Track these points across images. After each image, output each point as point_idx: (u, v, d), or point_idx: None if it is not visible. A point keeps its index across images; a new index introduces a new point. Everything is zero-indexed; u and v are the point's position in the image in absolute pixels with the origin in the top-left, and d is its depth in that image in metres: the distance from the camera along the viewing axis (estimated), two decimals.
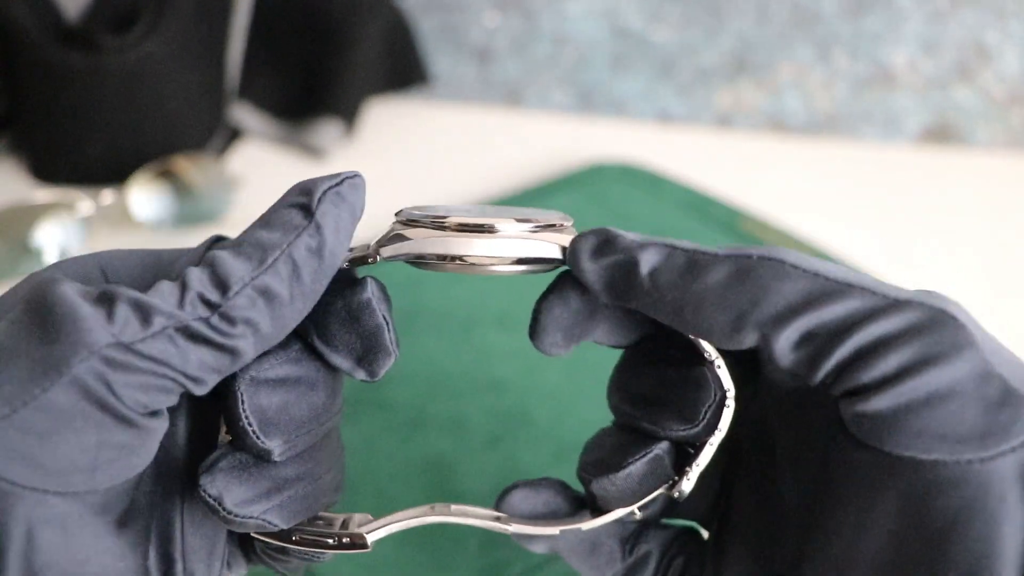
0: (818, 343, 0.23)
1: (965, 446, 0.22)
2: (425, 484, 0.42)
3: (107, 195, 0.58)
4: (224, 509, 0.25)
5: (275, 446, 0.25)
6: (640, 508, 0.28)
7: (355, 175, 0.26)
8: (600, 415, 0.45)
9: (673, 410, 0.27)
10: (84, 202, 0.56)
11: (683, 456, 0.28)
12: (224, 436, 0.26)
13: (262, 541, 0.28)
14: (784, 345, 0.23)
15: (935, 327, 0.22)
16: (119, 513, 0.25)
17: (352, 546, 0.28)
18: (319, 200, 0.25)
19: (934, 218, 0.63)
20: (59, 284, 0.23)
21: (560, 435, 0.44)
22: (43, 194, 0.57)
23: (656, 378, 0.27)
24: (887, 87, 0.70)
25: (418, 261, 0.26)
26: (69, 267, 0.26)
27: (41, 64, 0.59)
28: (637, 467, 0.27)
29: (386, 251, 0.26)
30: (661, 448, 0.27)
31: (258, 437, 0.25)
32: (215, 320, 0.23)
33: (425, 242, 0.26)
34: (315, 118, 0.66)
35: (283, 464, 0.26)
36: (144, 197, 0.58)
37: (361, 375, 0.26)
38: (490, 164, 0.67)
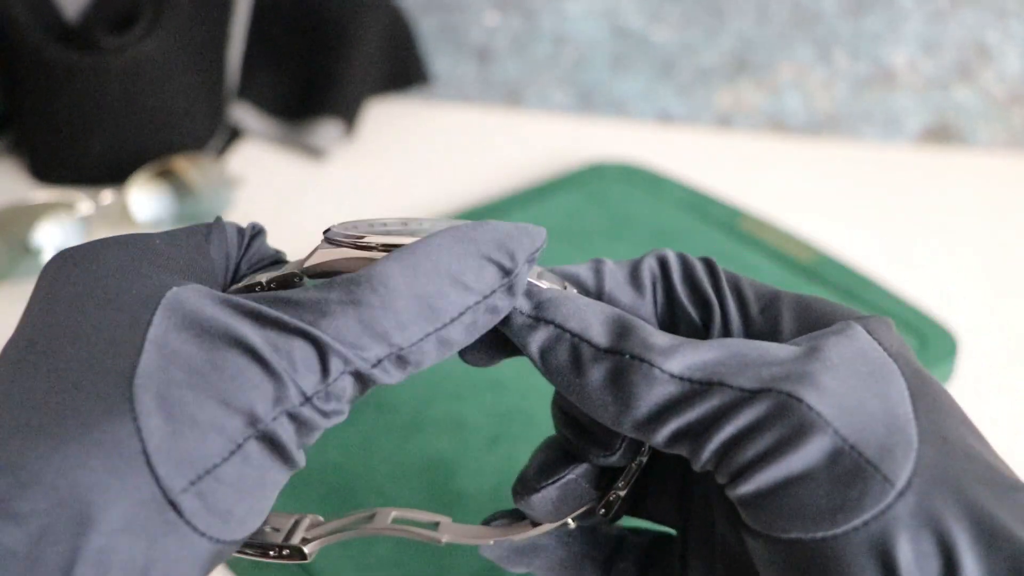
0: (688, 441, 0.25)
1: (819, 524, 0.23)
2: (425, 484, 0.42)
3: (107, 195, 0.58)
4: None
5: None
6: (574, 519, 0.29)
7: (540, 244, 0.26)
8: None
9: (595, 437, 0.28)
10: (84, 202, 0.56)
11: (617, 471, 0.29)
12: None
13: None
14: (660, 442, 0.25)
15: (782, 415, 0.23)
16: None
17: (291, 556, 0.28)
18: (519, 266, 0.25)
19: (934, 218, 0.63)
20: (222, 311, 0.23)
21: None
22: (43, 194, 0.57)
23: None
24: (887, 87, 0.70)
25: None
26: (135, 254, 0.25)
27: (41, 64, 0.59)
28: (550, 491, 0.28)
29: (309, 270, 0.26)
30: (576, 472, 0.28)
31: None
32: (387, 363, 0.24)
33: (344, 262, 0.26)
34: (315, 118, 0.66)
35: None
36: (144, 197, 0.58)
37: None
38: (490, 164, 0.67)
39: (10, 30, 0.59)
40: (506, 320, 0.26)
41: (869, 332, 0.26)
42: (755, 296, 0.28)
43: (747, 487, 0.24)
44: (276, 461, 0.23)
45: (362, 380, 0.24)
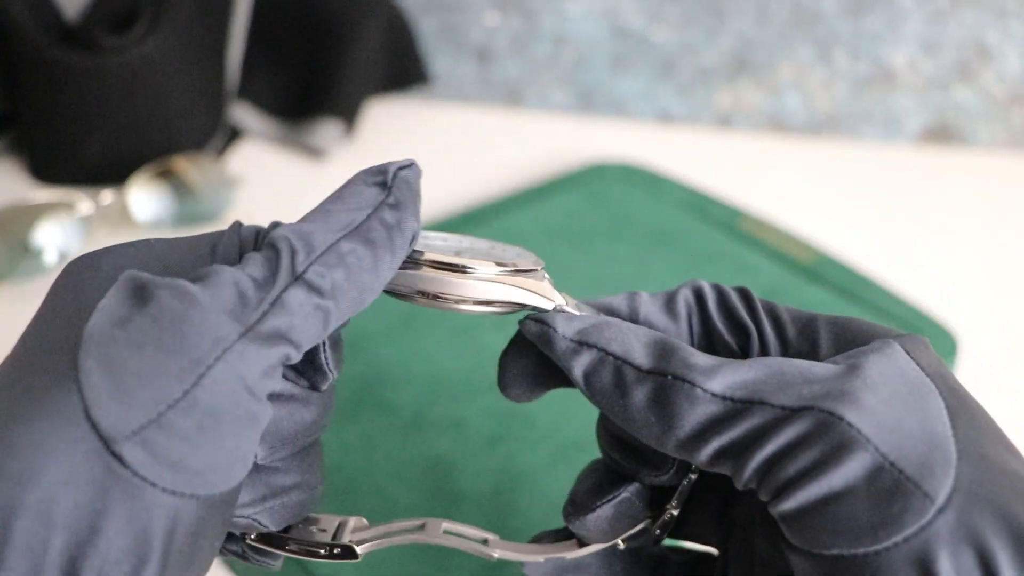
0: (731, 459, 0.25)
1: (860, 540, 0.23)
2: (425, 484, 0.42)
3: (107, 195, 0.58)
4: None
5: (257, 451, 0.26)
6: (624, 540, 0.29)
7: (413, 161, 0.27)
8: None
9: (646, 458, 0.28)
10: (84, 202, 0.56)
11: (667, 490, 0.29)
12: None
13: (255, 546, 0.28)
14: (703, 461, 0.25)
15: (823, 433, 0.24)
16: (231, 507, 0.26)
17: (342, 556, 0.29)
18: (393, 176, 0.26)
19: (934, 218, 0.63)
20: (162, 281, 0.24)
21: (560, 435, 0.44)
22: (43, 194, 0.57)
23: None
24: (887, 87, 0.70)
25: (391, 293, 0.27)
26: (131, 258, 0.26)
27: (41, 64, 0.59)
28: (605, 510, 0.28)
29: None
30: (629, 491, 0.29)
31: None
32: (310, 275, 0.24)
33: (397, 275, 0.26)
34: (315, 118, 0.66)
35: (281, 472, 0.27)
36: (144, 197, 0.58)
37: (304, 384, 0.27)
38: (490, 164, 0.67)
39: (10, 30, 0.59)
40: (550, 346, 0.27)
41: (906, 351, 0.26)
42: (791, 319, 0.28)
43: (789, 504, 0.24)
44: (230, 408, 0.23)
45: (305, 286, 0.24)
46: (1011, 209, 0.64)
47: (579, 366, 0.27)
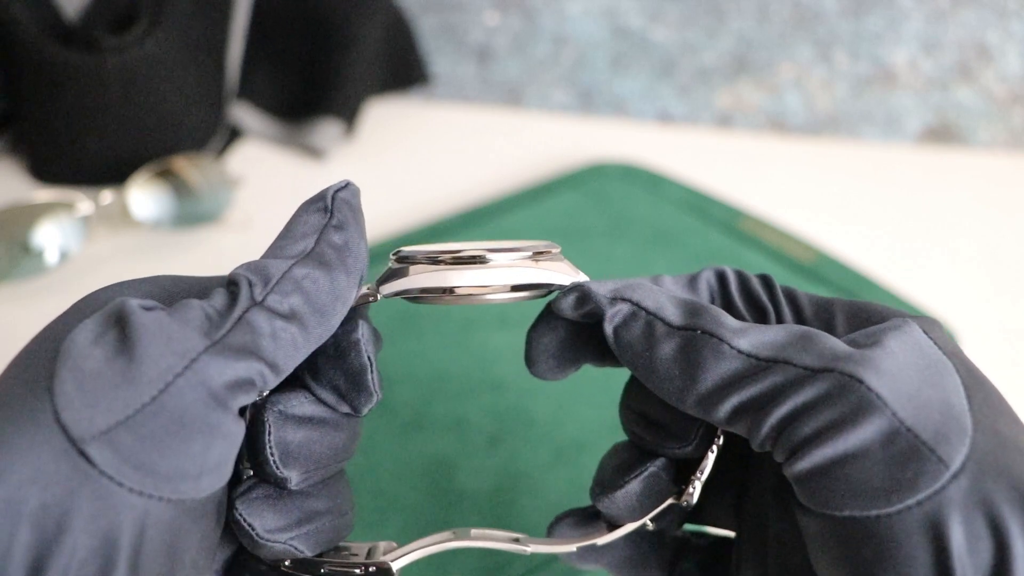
0: (748, 417, 0.25)
1: (874, 502, 0.24)
2: (425, 484, 0.42)
3: (107, 195, 0.58)
4: (256, 534, 0.27)
5: (292, 476, 0.27)
6: (652, 520, 0.29)
7: (348, 182, 0.28)
8: (599, 415, 0.45)
9: (670, 430, 0.28)
10: (83, 202, 0.56)
11: (690, 465, 0.29)
12: (245, 466, 0.28)
13: (290, 572, 0.29)
14: (721, 418, 0.26)
15: (842, 394, 0.24)
16: (213, 522, 0.26)
17: (378, 575, 0.29)
18: (332, 199, 0.27)
19: (934, 218, 0.63)
20: (135, 305, 0.25)
21: (560, 435, 0.44)
22: (42, 194, 0.56)
23: (656, 399, 0.28)
24: (888, 87, 0.70)
25: (416, 297, 0.28)
26: (136, 288, 0.27)
27: (40, 64, 0.59)
28: (633, 486, 0.29)
29: (385, 289, 0.28)
30: (656, 465, 0.29)
31: (277, 467, 0.27)
32: (269, 302, 0.25)
33: (421, 277, 0.27)
34: (315, 118, 0.66)
35: (314, 497, 0.28)
36: (144, 197, 0.58)
37: (344, 409, 0.28)
38: (490, 164, 0.67)
39: (10, 30, 0.59)
40: (587, 300, 0.27)
41: (924, 331, 0.27)
42: (809, 302, 0.29)
43: (804, 464, 0.24)
44: (197, 415, 0.23)
45: (265, 311, 0.25)
46: (1011, 209, 0.64)
47: (612, 319, 0.27)
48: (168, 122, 0.62)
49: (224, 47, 0.67)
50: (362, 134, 0.69)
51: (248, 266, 0.26)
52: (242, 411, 0.26)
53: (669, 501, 0.29)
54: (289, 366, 0.25)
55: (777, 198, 0.63)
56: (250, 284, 0.25)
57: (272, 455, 0.26)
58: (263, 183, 0.63)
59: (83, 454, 0.22)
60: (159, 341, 0.24)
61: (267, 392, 0.26)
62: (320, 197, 0.27)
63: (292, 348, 0.25)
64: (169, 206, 0.59)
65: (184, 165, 0.59)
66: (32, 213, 0.55)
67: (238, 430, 0.25)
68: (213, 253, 0.56)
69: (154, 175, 0.59)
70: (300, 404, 0.27)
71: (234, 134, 0.68)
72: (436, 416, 0.45)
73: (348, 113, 0.66)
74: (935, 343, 0.26)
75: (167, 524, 0.24)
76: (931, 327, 0.27)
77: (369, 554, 0.30)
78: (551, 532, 0.31)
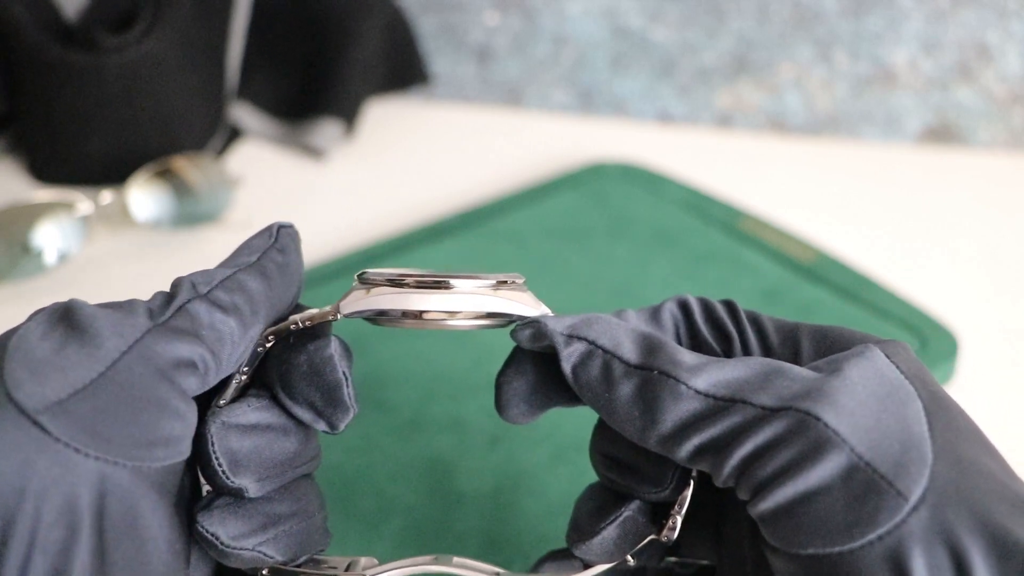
0: (710, 456, 0.25)
1: (836, 539, 0.24)
2: (425, 484, 0.42)
3: (106, 195, 0.58)
4: (221, 543, 0.27)
5: (246, 484, 0.27)
6: (633, 556, 0.29)
7: (291, 224, 0.30)
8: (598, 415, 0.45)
9: (644, 474, 0.28)
10: (83, 202, 0.56)
11: (667, 506, 0.29)
12: (204, 483, 0.28)
13: None
14: (683, 457, 0.26)
15: (800, 432, 0.24)
16: (174, 497, 0.27)
17: None
18: (277, 231, 0.30)
19: (934, 218, 0.63)
20: (81, 302, 0.27)
21: (560, 435, 0.44)
22: (42, 194, 0.56)
23: (626, 443, 0.28)
24: (888, 87, 0.70)
25: (377, 318, 0.28)
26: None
27: (40, 64, 0.59)
28: (609, 532, 0.29)
29: (346, 308, 0.28)
30: (631, 509, 0.29)
31: (227, 477, 0.27)
32: (214, 294, 0.27)
33: (383, 299, 0.27)
34: (315, 118, 0.66)
35: (276, 501, 0.28)
36: (143, 197, 0.58)
37: (322, 426, 0.28)
38: (490, 164, 0.67)
39: (10, 30, 0.59)
40: (543, 339, 0.28)
41: (887, 355, 0.26)
42: (775, 328, 0.29)
43: (767, 504, 0.24)
44: (145, 388, 0.25)
45: (207, 302, 0.27)
46: (1011, 209, 0.64)
47: (569, 358, 0.27)
48: (168, 122, 0.62)
49: (224, 47, 0.67)
50: (362, 134, 0.69)
51: (193, 272, 0.28)
52: (198, 405, 0.27)
53: (650, 537, 0.29)
54: (226, 358, 0.27)
55: (777, 198, 0.63)
56: (193, 284, 0.27)
57: (220, 465, 0.27)
58: (263, 183, 0.63)
59: (37, 423, 0.23)
60: (107, 325, 0.25)
61: (209, 387, 0.27)
62: (266, 229, 0.30)
63: (230, 340, 0.26)
64: (169, 206, 0.59)
65: (184, 165, 0.59)
66: (32, 213, 0.55)
67: (188, 411, 0.26)
68: (213, 253, 0.56)
69: (154, 175, 0.59)
70: (243, 413, 0.28)
71: (234, 134, 0.68)
72: (435, 416, 0.45)
73: (348, 113, 0.66)
74: (898, 367, 0.26)
75: (126, 490, 0.24)
76: (895, 351, 0.27)
77: (349, 567, 0.30)
78: (537, 569, 0.31)
